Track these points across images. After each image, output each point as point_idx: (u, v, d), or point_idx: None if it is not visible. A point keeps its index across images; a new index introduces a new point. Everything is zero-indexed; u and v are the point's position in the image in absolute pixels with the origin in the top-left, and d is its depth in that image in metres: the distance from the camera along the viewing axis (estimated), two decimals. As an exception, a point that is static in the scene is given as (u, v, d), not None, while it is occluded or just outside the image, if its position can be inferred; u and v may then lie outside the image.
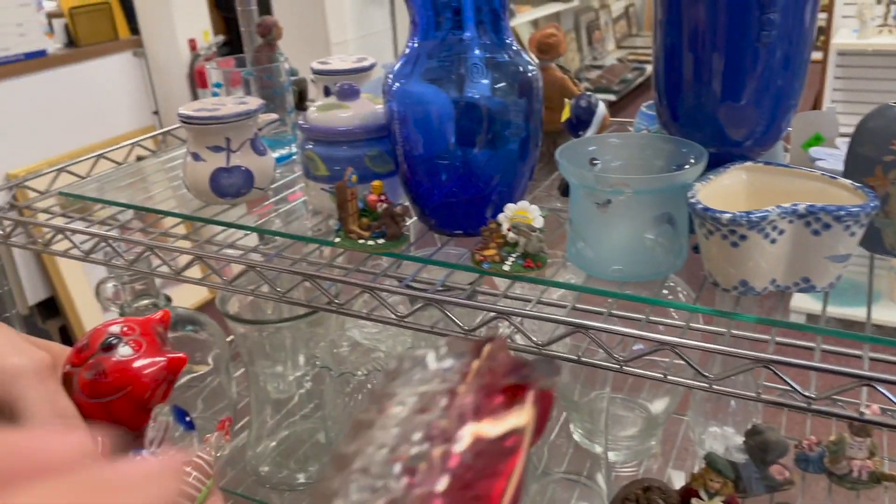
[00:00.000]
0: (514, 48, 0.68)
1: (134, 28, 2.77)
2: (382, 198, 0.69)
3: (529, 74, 0.68)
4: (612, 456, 0.84)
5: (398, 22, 3.13)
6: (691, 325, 0.56)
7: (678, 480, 0.90)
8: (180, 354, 0.39)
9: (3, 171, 2.28)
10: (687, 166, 0.62)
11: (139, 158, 0.96)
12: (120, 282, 0.89)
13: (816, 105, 2.78)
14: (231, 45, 2.96)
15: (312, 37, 2.78)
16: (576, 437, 0.86)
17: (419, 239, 0.74)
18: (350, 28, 2.87)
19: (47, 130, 2.41)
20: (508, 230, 0.65)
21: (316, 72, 0.95)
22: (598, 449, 0.84)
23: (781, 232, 0.54)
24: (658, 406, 0.83)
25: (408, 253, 0.69)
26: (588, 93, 0.77)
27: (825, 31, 2.80)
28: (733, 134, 0.65)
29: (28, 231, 0.79)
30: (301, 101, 1.07)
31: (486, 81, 0.67)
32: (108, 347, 0.38)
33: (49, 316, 2.39)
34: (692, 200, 0.56)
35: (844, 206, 0.53)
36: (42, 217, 0.82)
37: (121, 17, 2.73)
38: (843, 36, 2.75)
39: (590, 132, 0.75)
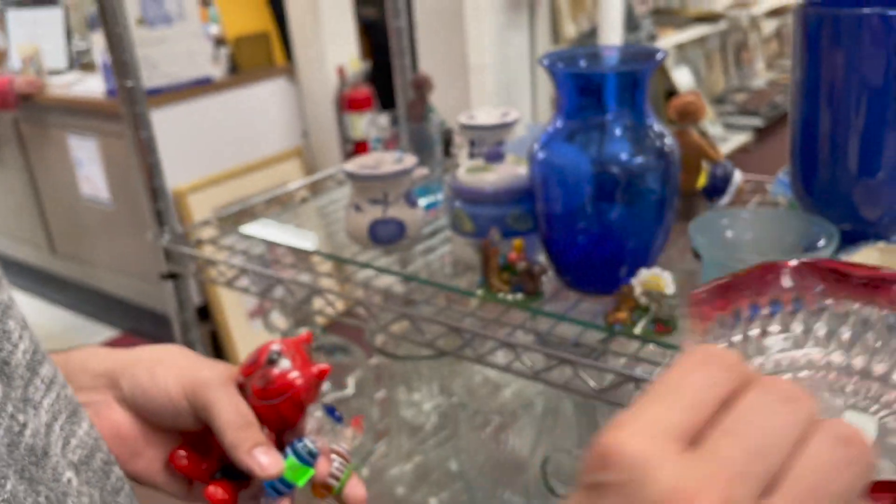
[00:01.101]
0: (654, 127, 0.73)
1: (288, 54, 2.97)
2: (522, 255, 0.76)
3: (666, 148, 0.73)
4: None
5: (537, 44, 3.19)
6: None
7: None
8: (325, 365, 0.49)
9: (169, 187, 2.50)
10: (820, 244, 0.64)
11: (303, 200, 1.07)
12: (284, 313, 1.00)
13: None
14: (376, 69, 3.11)
15: (452, 59, 2.88)
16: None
17: (553, 295, 0.80)
18: (489, 51, 2.96)
19: (207, 150, 2.63)
20: (640, 295, 0.69)
21: (463, 126, 1.03)
22: None
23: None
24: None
25: (543, 308, 0.75)
26: (725, 162, 0.80)
27: None
28: (868, 213, 0.67)
29: (213, 268, 0.91)
30: (447, 148, 1.15)
31: (625, 153, 0.73)
32: (272, 362, 0.48)
33: (200, 320, 2.60)
34: (821, 282, 0.59)
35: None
36: (223, 255, 0.94)
37: (277, 44, 2.94)
38: None
39: (725, 199, 0.78)
